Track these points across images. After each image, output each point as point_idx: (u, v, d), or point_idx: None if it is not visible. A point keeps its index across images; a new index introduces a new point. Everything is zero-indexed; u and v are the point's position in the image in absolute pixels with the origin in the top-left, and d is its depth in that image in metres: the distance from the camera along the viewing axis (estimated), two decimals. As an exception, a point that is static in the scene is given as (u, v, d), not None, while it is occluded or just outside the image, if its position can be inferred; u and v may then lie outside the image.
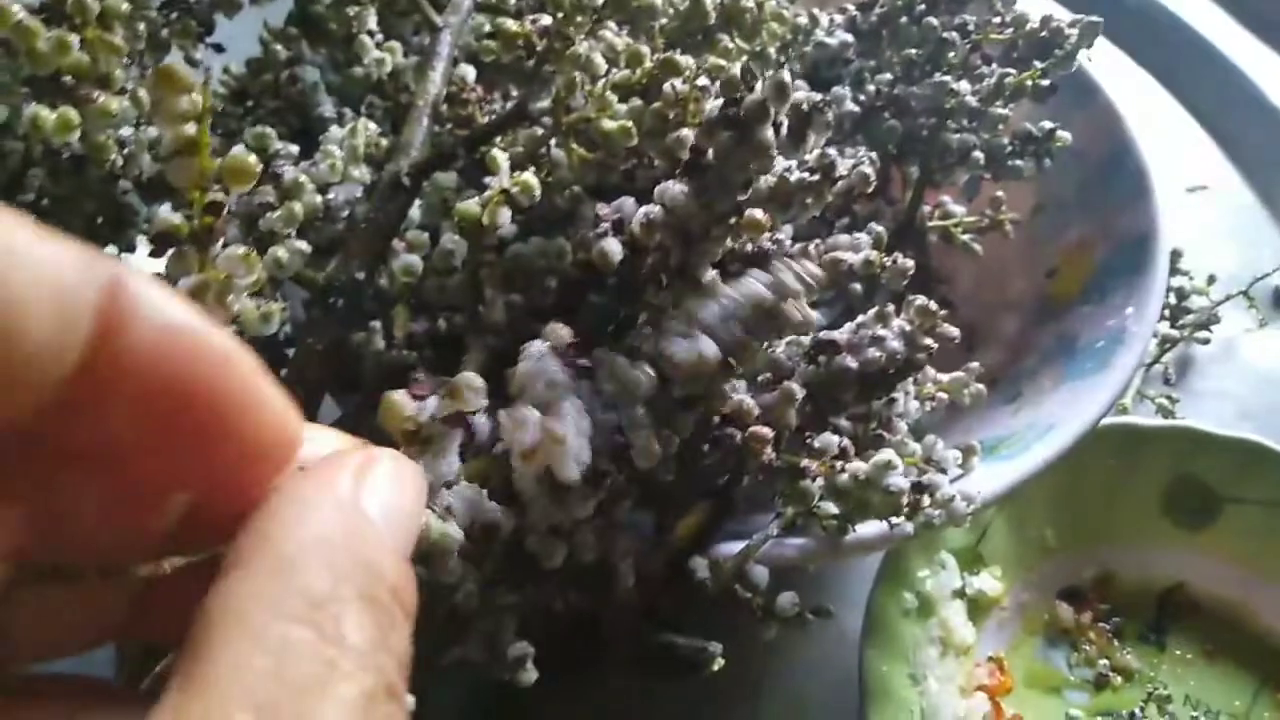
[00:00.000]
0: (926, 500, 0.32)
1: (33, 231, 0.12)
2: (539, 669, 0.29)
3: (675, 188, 0.25)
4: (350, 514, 0.14)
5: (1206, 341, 0.54)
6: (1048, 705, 0.42)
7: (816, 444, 0.28)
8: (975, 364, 0.39)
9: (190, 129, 0.20)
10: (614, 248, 0.26)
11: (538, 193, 0.27)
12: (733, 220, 0.25)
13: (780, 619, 0.32)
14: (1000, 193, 0.44)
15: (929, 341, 0.30)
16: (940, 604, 0.41)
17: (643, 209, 0.25)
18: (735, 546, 0.32)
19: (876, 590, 0.40)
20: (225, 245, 0.23)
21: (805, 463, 0.28)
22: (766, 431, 0.26)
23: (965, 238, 0.44)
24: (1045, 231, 0.48)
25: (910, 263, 0.29)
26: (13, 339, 0.11)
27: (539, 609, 0.28)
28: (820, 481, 0.28)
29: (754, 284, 0.26)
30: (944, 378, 0.39)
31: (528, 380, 0.25)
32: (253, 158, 0.20)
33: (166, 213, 0.21)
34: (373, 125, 0.33)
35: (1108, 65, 0.46)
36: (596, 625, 0.30)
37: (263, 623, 0.12)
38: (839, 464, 0.28)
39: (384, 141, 0.34)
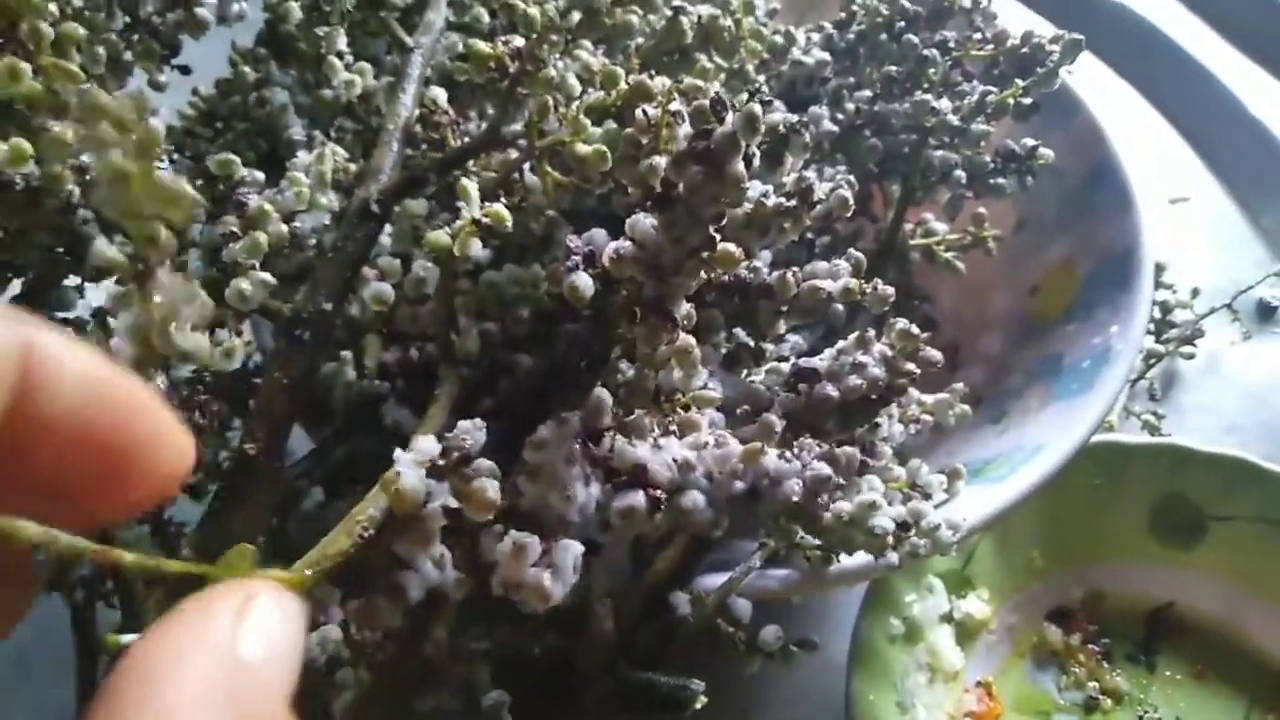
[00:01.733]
0: (912, 532, 0.32)
1: None
2: (513, 713, 0.29)
3: (645, 221, 0.24)
4: (230, 664, 0.13)
5: (1191, 356, 0.53)
6: (1037, 730, 0.41)
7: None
8: (960, 385, 0.38)
9: (116, 155, 0.19)
10: (585, 282, 0.25)
11: (509, 223, 0.26)
12: (705, 254, 0.24)
13: (764, 653, 0.31)
14: (982, 209, 0.44)
15: (911, 366, 0.29)
16: (928, 629, 0.41)
17: (613, 244, 0.24)
18: (716, 579, 0.31)
19: (863, 617, 0.40)
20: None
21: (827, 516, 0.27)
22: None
23: (948, 255, 0.43)
24: (1027, 249, 0.48)
25: (891, 290, 0.29)
26: None
27: (514, 652, 0.28)
28: (803, 517, 0.27)
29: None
30: (928, 399, 0.38)
31: (542, 465, 0.24)
32: (188, 187, 0.19)
33: (103, 246, 0.20)
34: (340, 150, 0.32)
35: (1087, 78, 0.46)
36: (572, 665, 0.29)
37: None
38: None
39: (353, 166, 0.33)
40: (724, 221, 0.25)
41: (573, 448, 0.24)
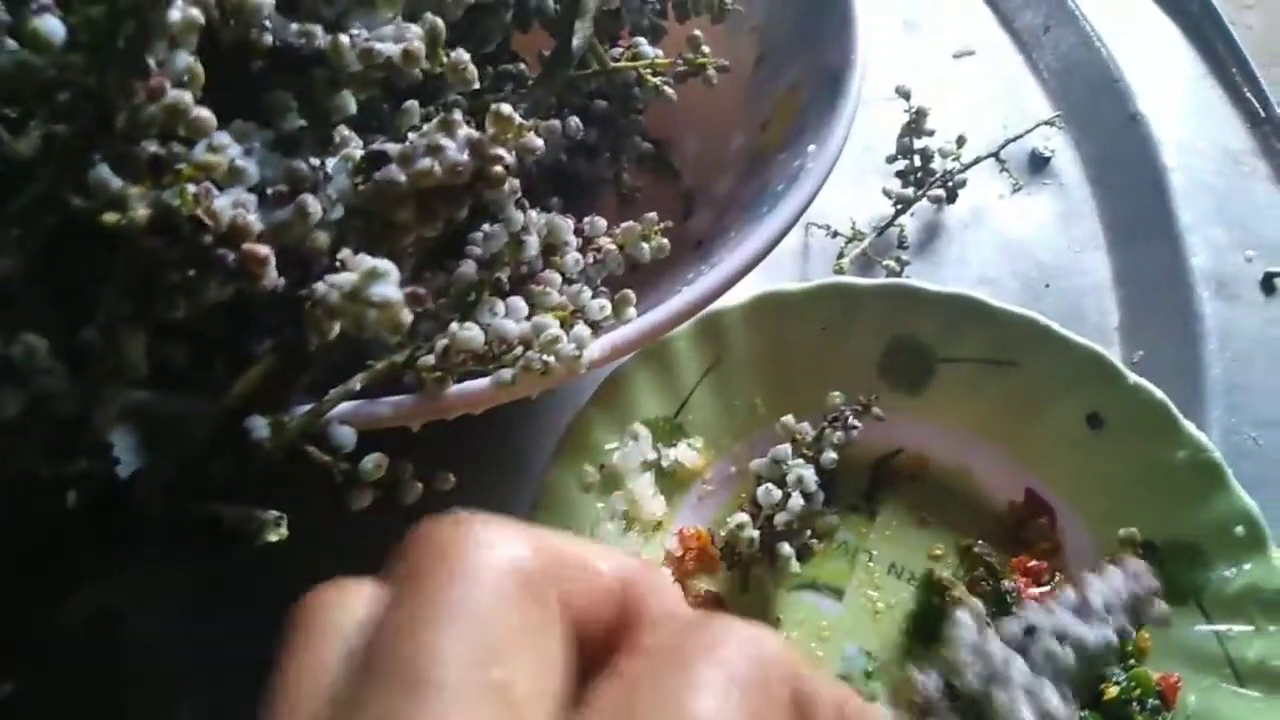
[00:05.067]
0: (534, 344, 0.29)
1: None
2: (60, 548, 0.25)
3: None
4: None
5: (942, 200, 0.51)
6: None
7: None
8: (653, 215, 0.36)
9: None
10: (50, 26, 0.21)
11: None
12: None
13: (369, 485, 0.28)
14: (698, 32, 0.41)
15: (502, 152, 0.26)
16: (627, 477, 0.38)
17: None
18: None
19: (553, 463, 0.37)
20: None
21: (319, 288, 0.23)
22: (263, 250, 0.22)
23: (658, 81, 0.40)
24: (764, 84, 0.44)
25: (465, 56, 0.25)
26: None
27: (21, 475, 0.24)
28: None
29: None
30: (617, 230, 0.36)
31: None
32: None
33: None
34: None
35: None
36: (126, 496, 0.26)
37: None
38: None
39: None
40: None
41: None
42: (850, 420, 0.40)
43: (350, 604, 0.15)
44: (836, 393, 0.40)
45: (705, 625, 0.14)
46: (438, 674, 0.12)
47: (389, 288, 0.22)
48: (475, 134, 0.25)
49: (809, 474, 0.39)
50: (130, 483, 0.26)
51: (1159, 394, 0.40)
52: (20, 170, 0.25)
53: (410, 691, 0.12)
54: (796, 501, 0.38)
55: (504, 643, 0.13)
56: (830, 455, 0.39)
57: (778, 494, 0.38)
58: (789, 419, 0.41)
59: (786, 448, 0.40)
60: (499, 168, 0.26)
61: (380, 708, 0.12)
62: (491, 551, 0.14)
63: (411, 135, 0.26)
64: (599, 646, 0.14)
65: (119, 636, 0.33)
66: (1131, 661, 0.36)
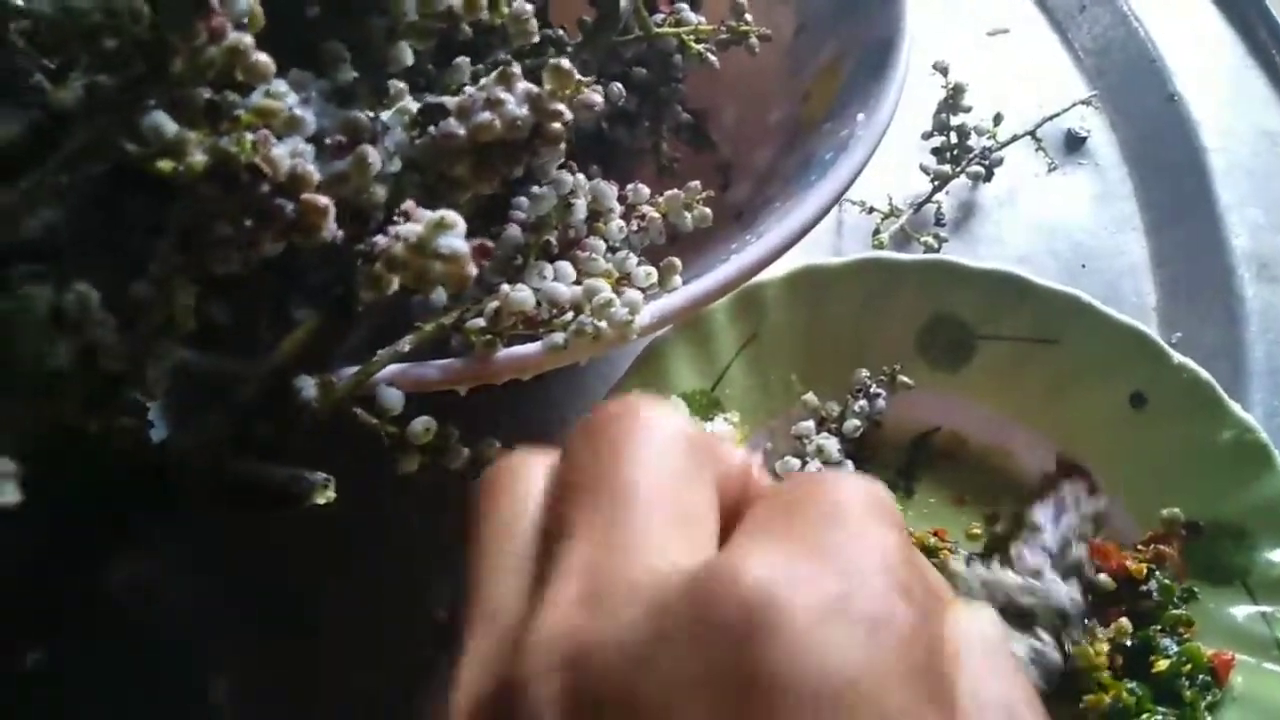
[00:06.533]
0: (586, 308, 0.28)
1: None
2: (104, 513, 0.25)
3: None
4: None
5: (979, 177, 0.50)
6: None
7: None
8: (696, 183, 0.35)
9: None
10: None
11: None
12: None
13: (417, 449, 0.28)
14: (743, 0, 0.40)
15: (561, 108, 0.25)
16: (665, 450, 0.37)
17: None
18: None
19: (590, 435, 0.36)
20: None
21: (381, 240, 0.23)
22: (322, 200, 0.22)
23: (701, 48, 0.39)
24: (804, 54, 0.44)
25: (528, 6, 0.24)
26: None
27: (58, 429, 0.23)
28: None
29: None
30: (660, 198, 0.35)
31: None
32: None
33: None
34: None
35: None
36: (169, 458, 0.25)
37: None
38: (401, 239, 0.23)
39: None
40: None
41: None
42: (873, 389, 0.40)
43: (533, 474, 0.17)
44: (864, 370, 0.40)
45: (821, 478, 0.16)
46: (638, 495, 0.15)
47: (456, 240, 0.21)
48: (534, 89, 0.25)
49: (831, 444, 0.39)
50: (170, 445, 0.25)
51: (1204, 374, 0.39)
52: (62, 121, 0.24)
53: (617, 506, 0.15)
54: (813, 467, 0.38)
55: (680, 481, 0.16)
56: (853, 423, 0.39)
57: (795, 464, 0.38)
58: (810, 396, 0.40)
59: (810, 424, 0.40)
60: (557, 124, 0.25)
61: (587, 522, 0.15)
62: (660, 418, 0.16)
63: (468, 89, 0.25)
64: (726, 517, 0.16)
65: (156, 603, 0.33)
66: (1184, 635, 0.35)
